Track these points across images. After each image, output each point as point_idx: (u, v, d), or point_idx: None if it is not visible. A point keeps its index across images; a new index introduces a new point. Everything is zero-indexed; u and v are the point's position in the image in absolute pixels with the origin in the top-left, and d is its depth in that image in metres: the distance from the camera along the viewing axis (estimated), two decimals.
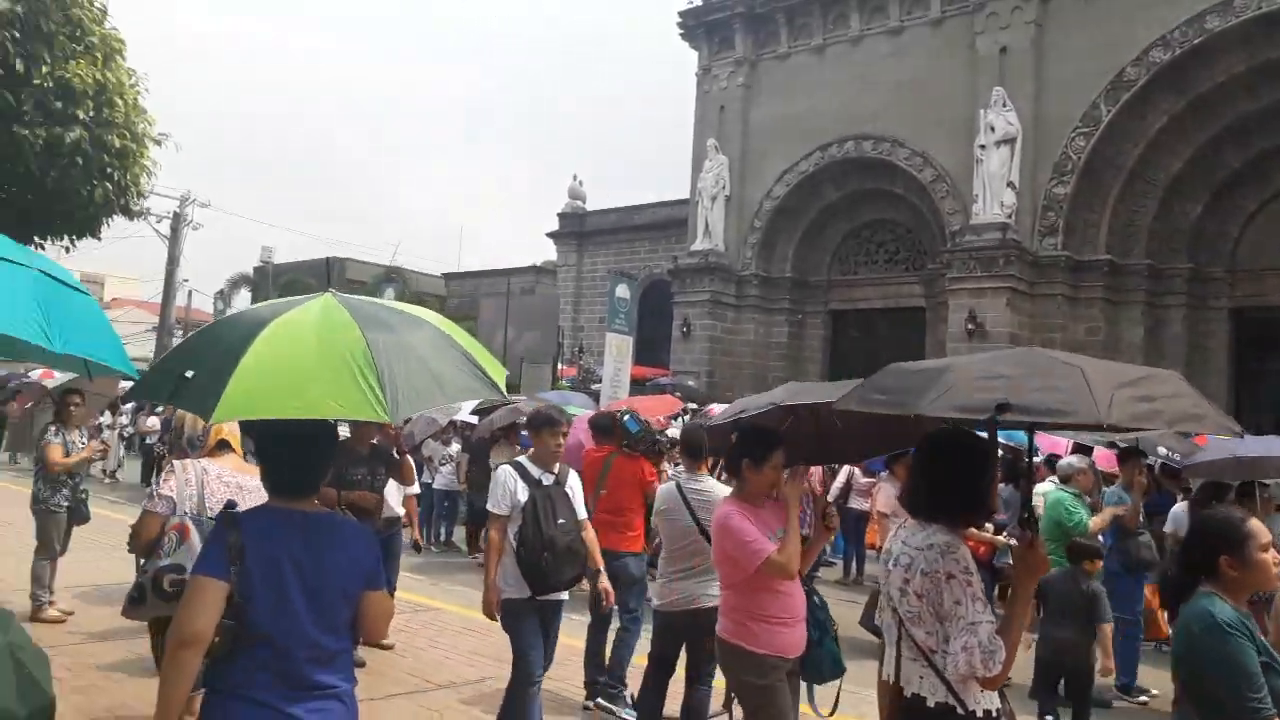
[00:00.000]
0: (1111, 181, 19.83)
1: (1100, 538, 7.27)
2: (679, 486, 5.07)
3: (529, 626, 4.76)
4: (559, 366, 23.66)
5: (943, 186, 21.62)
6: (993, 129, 20.25)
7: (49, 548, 7.37)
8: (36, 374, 14.87)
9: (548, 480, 4.89)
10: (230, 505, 4.01)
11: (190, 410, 3.10)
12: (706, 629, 4.91)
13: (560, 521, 4.75)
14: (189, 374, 2.49)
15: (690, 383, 23.57)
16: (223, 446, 4.62)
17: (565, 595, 4.95)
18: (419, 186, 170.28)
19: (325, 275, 41.96)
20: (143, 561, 4.15)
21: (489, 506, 4.91)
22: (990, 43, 20.87)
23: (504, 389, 2.78)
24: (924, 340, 22.87)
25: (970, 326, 19.69)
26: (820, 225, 25.23)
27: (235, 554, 2.42)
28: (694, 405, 16.55)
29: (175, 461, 4.52)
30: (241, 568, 2.42)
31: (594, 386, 21.07)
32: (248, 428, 4.31)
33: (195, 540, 3.98)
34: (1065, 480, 7.56)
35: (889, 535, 3.13)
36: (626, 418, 6.51)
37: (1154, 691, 7.40)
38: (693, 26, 26.64)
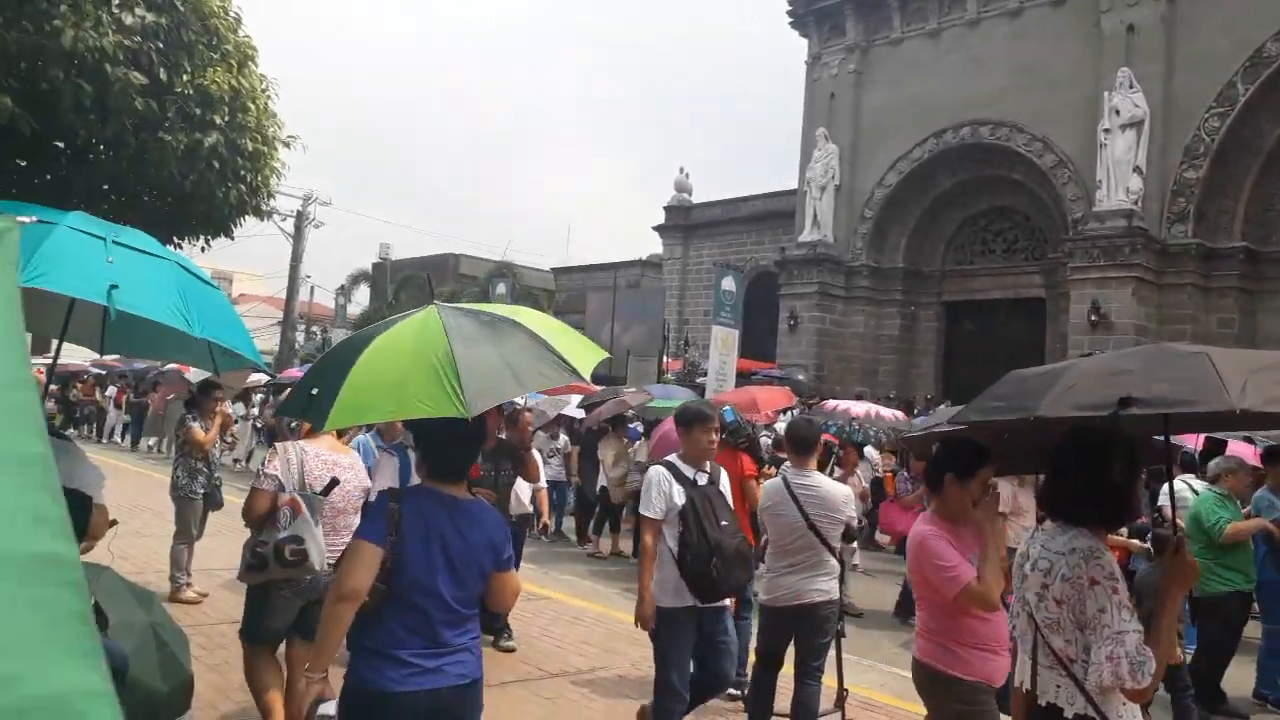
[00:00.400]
0: (1249, 165, 18.72)
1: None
2: (786, 481, 5.01)
3: (684, 638, 4.51)
4: (664, 360, 23.75)
5: (1064, 172, 20.79)
6: (1118, 111, 19.34)
7: (186, 532, 7.84)
8: (171, 366, 15.81)
9: (702, 480, 4.65)
10: (333, 481, 4.32)
11: (314, 422, 3.37)
12: (814, 624, 4.86)
13: (724, 523, 4.51)
14: (314, 391, 2.82)
15: (799, 376, 23.35)
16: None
17: (729, 601, 4.79)
18: (528, 182, 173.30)
19: (440, 270, 43.16)
20: (258, 534, 4.49)
21: (641, 510, 4.65)
22: (1116, 21, 19.94)
23: (587, 373, 2.95)
24: (1044, 332, 22.08)
25: (1094, 318, 18.89)
26: (934, 214, 24.60)
27: (394, 525, 2.73)
28: (804, 399, 16.42)
29: (277, 444, 4.81)
30: (398, 537, 2.72)
31: (699, 380, 21.09)
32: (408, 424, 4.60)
33: (306, 513, 4.39)
34: (1215, 480, 7.10)
35: (1018, 536, 3.06)
36: (725, 409, 6.40)
37: None
38: (802, 15, 26.27)
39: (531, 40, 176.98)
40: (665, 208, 34.45)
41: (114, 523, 3.94)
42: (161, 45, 6.38)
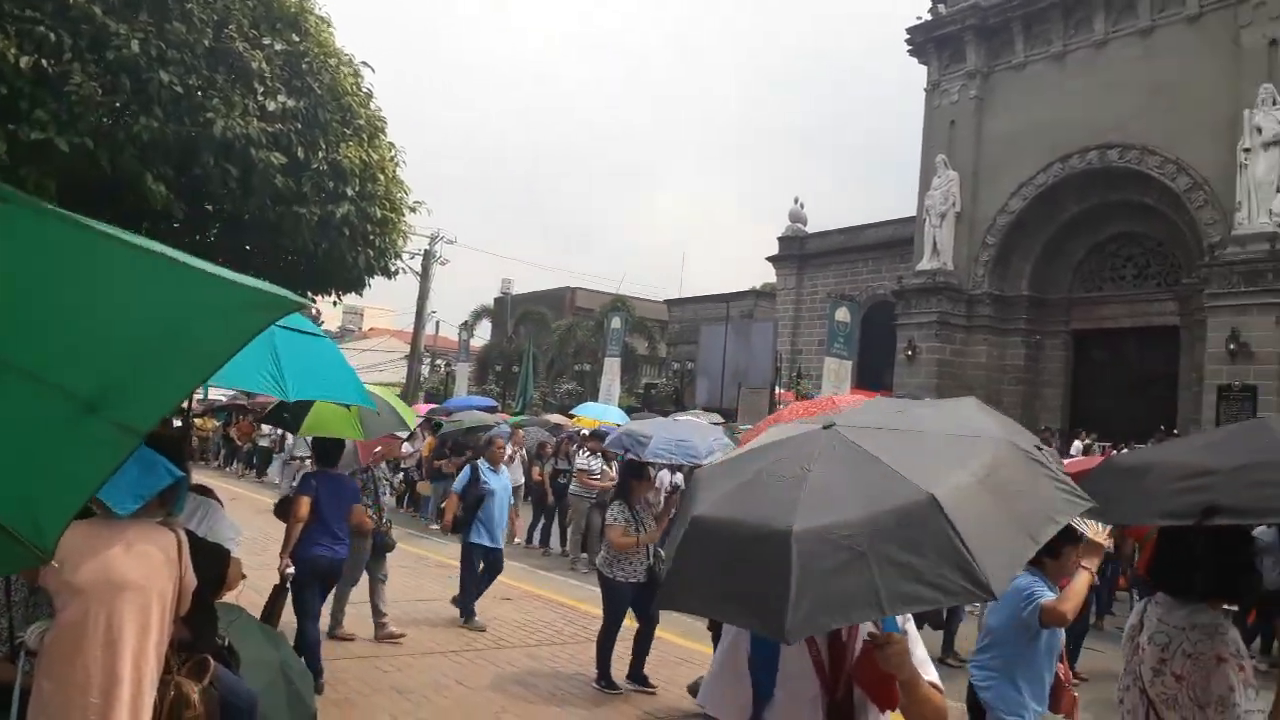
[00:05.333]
0: None
1: None
2: None
3: None
4: (777, 391, 23.65)
5: (1200, 195, 19.83)
6: (1259, 130, 18.42)
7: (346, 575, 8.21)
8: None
9: None
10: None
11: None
12: None
13: None
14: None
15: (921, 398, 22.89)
16: None
17: None
18: (642, 214, 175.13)
19: (557, 304, 44.10)
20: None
21: None
22: (1257, 36, 19.02)
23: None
24: (1178, 362, 21.05)
25: (1232, 347, 17.96)
26: (1060, 241, 23.80)
27: (314, 488, 6.37)
28: None
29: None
30: (316, 494, 6.33)
31: None
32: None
33: None
34: None
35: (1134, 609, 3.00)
36: None
37: None
38: (921, 42, 25.98)
39: (644, 65, 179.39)
40: (780, 238, 34.37)
41: (244, 576, 4.29)
42: (300, 126, 6.90)
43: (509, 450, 15.85)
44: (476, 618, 8.58)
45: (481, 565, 8.76)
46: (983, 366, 24.33)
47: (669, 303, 41.73)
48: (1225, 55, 19.55)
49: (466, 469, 9.23)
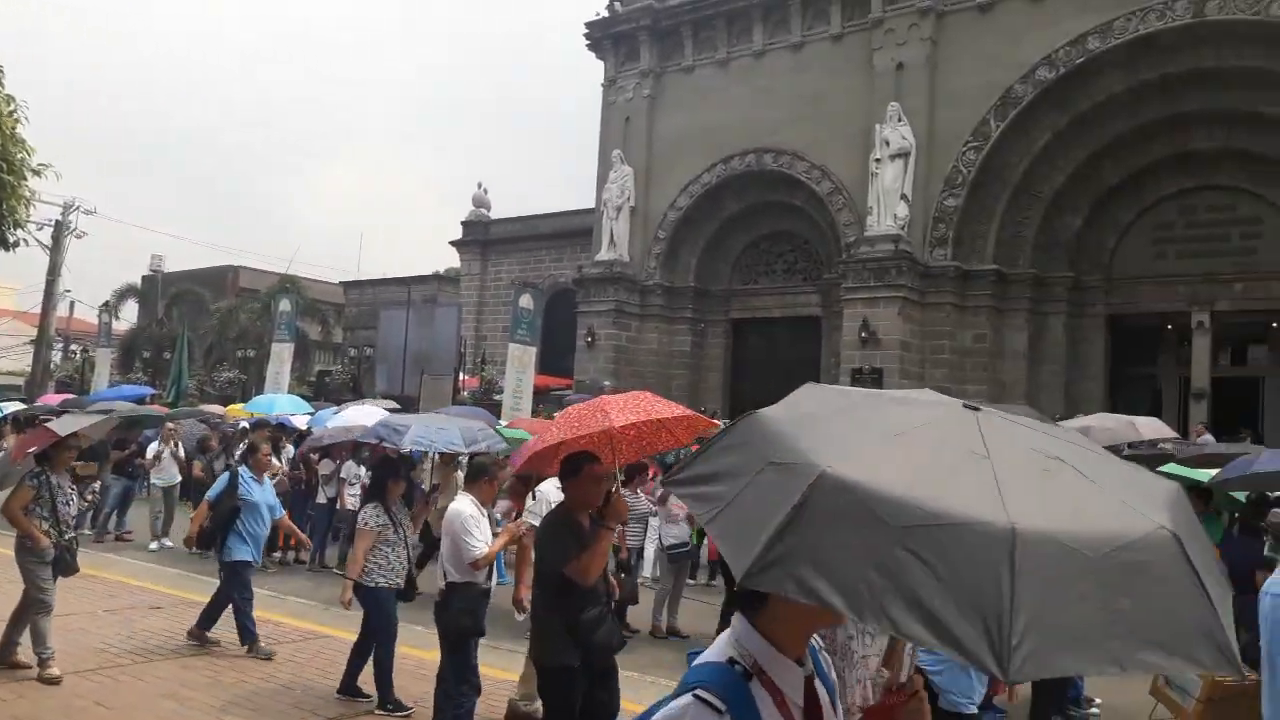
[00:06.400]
0: (999, 194, 20.59)
1: None
2: None
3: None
4: (461, 378, 23.34)
5: (840, 199, 22.12)
6: (888, 143, 20.80)
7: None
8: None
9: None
10: None
11: None
12: None
13: None
14: None
15: (605, 383, 23.68)
16: None
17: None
18: (318, 193, 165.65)
19: (218, 284, 40.67)
20: None
21: None
22: (887, 59, 21.45)
23: None
24: (820, 349, 23.36)
25: (864, 335, 20.20)
26: (722, 236, 25.55)
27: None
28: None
29: None
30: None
31: (496, 397, 20.86)
32: None
33: None
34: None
35: None
36: None
37: None
38: (599, 38, 26.70)
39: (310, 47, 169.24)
40: (464, 222, 33.99)
41: None
42: None
43: (154, 449, 14.26)
44: (261, 642, 7.53)
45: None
46: (655, 353, 25.58)
47: (346, 285, 39.88)
48: (862, 73, 21.87)
49: (224, 475, 8.12)
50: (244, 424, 15.72)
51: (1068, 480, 1.67)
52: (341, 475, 13.00)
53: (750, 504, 1.61)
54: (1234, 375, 20.46)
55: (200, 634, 7.62)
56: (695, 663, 1.83)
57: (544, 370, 24.37)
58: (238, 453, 12.28)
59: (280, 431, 14.51)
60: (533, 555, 6.49)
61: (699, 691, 1.68)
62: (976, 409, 1.86)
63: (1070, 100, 19.70)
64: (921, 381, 18.84)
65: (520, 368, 19.44)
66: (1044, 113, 19.93)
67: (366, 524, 6.32)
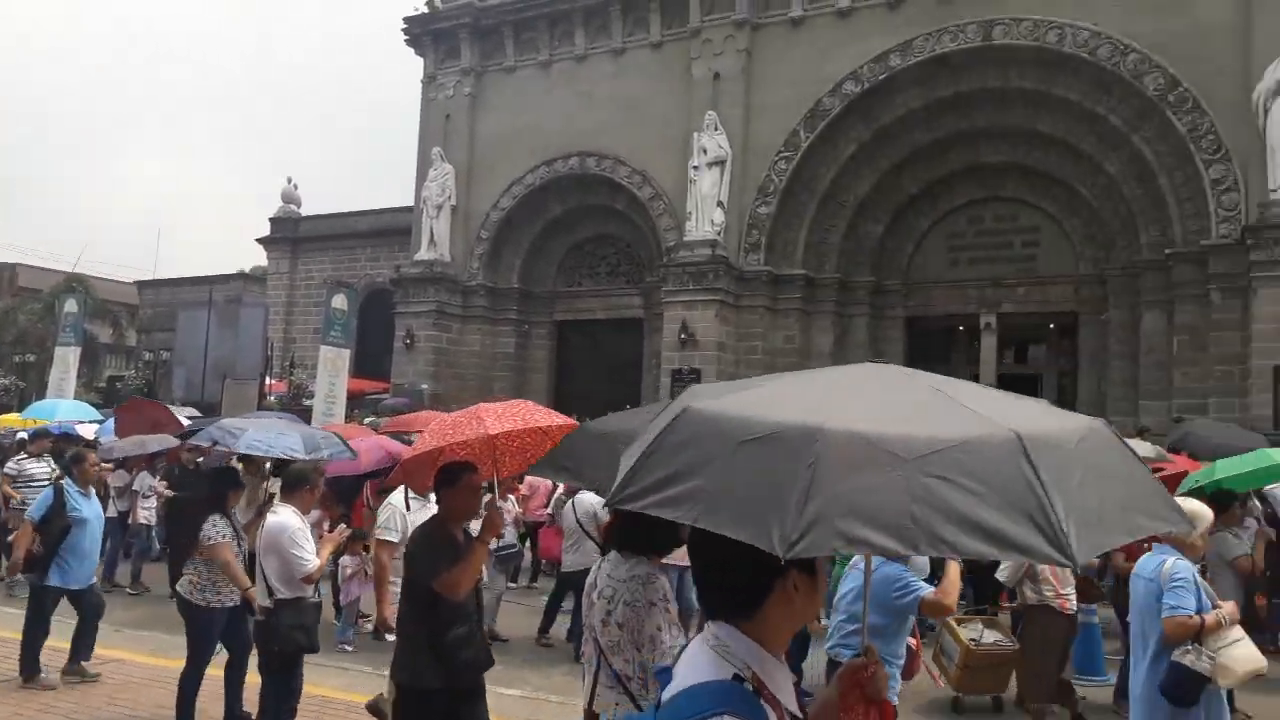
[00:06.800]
0: (808, 203, 21.54)
1: None
2: None
3: None
4: (267, 382, 22.20)
5: (660, 204, 22.52)
6: (705, 151, 21.36)
7: None
8: None
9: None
10: None
11: None
12: None
13: None
14: None
15: (423, 386, 23.13)
16: None
17: None
18: (114, 188, 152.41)
19: None
20: None
21: None
22: (705, 68, 22.00)
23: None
24: (643, 350, 23.72)
25: (683, 336, 20.69)
26: (546, 238, 25.50)
27: None
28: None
29: None
30: None
31: (306, 402, 19.95)
32: None
33: None
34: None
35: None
36: None
37: None
38: (419, 34, 26.06)
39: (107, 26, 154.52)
40: (272, 219, 32.35)
41: None
42: None
43: None
44: (43, 674, 6.81)
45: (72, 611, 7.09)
46: (477, 354, 25.21)
47: (141, 285, 37.12)
48: (682, 81, 22.33)
49: (48, 492, 7.22)
50: (21, 434, 14.31)
51: (1011, 400, 1.93)
52: (135, 488, 12.10)
53: (745, 485, 1.61)
54: (1017, 372, 22.19)
55: (79, 668, 6.99)
56: (689, 684, 1.64)
57: (359, 373, 23.54)
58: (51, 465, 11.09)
59: (65, 442, 13.31)
60: (391, 572, 6.27)
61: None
62: (886, 364, 2.11)
63: (874, 114, 20.84)
64: None
65: (333, 371, 18.67)
66: (850, 125, 20.99)
67: (224, 537, 5.93)
